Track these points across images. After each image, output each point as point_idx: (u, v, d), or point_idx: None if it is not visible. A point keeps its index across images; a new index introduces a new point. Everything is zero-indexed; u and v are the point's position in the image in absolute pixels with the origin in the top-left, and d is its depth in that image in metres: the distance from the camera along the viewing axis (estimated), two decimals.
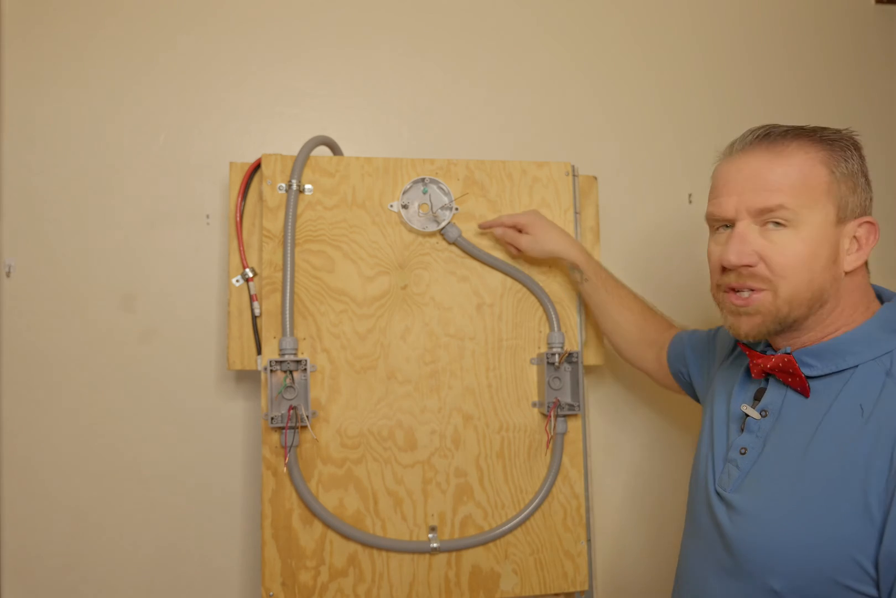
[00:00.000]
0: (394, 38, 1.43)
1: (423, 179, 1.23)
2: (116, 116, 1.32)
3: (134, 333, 1.30)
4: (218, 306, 1.33)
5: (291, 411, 1.13)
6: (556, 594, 1.25)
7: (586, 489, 1.25)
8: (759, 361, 0.86)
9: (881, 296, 0.88)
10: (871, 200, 0.85)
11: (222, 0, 1.37)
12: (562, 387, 1.23)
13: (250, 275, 1.21)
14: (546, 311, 1.25)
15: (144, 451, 1.29)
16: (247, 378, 1.32)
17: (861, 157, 0.85)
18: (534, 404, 1.25)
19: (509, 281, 1.26)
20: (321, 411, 1.18)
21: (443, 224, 1.22)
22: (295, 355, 1.16)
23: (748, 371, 0.92)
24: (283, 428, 1.14)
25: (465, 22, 1.46)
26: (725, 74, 1.57)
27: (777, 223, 0.80)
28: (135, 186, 1.32)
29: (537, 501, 1.21)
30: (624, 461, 1.45)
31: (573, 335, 1.26)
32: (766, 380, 0.88)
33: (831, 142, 0.83)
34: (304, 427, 1.16)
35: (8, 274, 1.27)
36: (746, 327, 0.83)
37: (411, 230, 1.24)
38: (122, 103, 1.33)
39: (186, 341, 1.31)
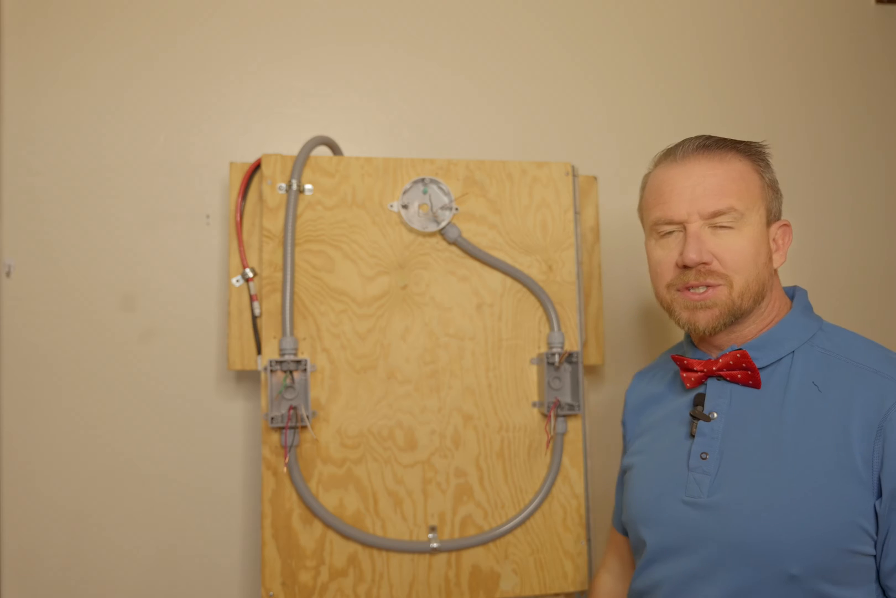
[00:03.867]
0: (394, 38, 1.43)
1: (423, 179, 1.23)
2: (116, 116, 1.32)
3: (134, 333, 1.30)
4: (218, 306, 1.33)
5: (291, 411, 1.13)
6: (556, 594, 1.25)
7: (586, 489, 1.25)
8: (701, 367, 0.91)
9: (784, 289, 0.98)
10: (781, 205, 0.95)
11: (222, 0, 1.37)
12: (562, 387, 1.23)
13: (250, 275, 1.21)
14: (546, 311, 1.25)
15: (144, 451, 1.29)
16: (247, 378, 1.32)
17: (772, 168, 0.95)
18: (534, 404, 1.25)
19: (509, 281, 1.26)
20: (321, 411, 1.18)
21: (443, 224, 1.22)
22: (295, 355, 1.16)
23: (674, 387, 0.99)
24: (283, 428, 1.14)
25: (466, 22, 1.46)
26: (726, 74, 1.57)
27: (723, 227, 0.88)
28: (135, 186, 1.32)
29: (537, 501, 1.21)
30: None
31: (573, 335, 1.26)
32: (704, 385, 0.92)
33: (756, 153, 0.93)
34: (304, 427, 1.16)
35: (8, 274, 1.27)
36: (704, 319, 0.89)
37: (411, 230, 1.24)
38: (122, 103, 1.33)
39: (186, 341, 1.31)
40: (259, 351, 1.20)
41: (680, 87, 1.54)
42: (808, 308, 0.93)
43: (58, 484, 1.26)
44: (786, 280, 1.42)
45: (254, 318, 1.21)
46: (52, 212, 1.29)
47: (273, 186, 1.20)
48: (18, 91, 1.29)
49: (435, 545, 1.17)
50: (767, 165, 0.93)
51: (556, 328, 1.24)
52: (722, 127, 1.53)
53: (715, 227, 0.88)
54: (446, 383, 1.22)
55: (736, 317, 0.88)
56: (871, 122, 1.63)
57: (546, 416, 1.22)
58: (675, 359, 0.95)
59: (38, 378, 1.27)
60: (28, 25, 1.30)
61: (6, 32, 1.29)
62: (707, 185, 0.88)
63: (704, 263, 0.87)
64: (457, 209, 1.23)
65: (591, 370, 1.43)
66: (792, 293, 0.97)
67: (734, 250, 0.87)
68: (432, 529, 1.19)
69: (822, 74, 1.62)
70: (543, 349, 1.25)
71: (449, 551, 1.19)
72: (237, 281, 1.22)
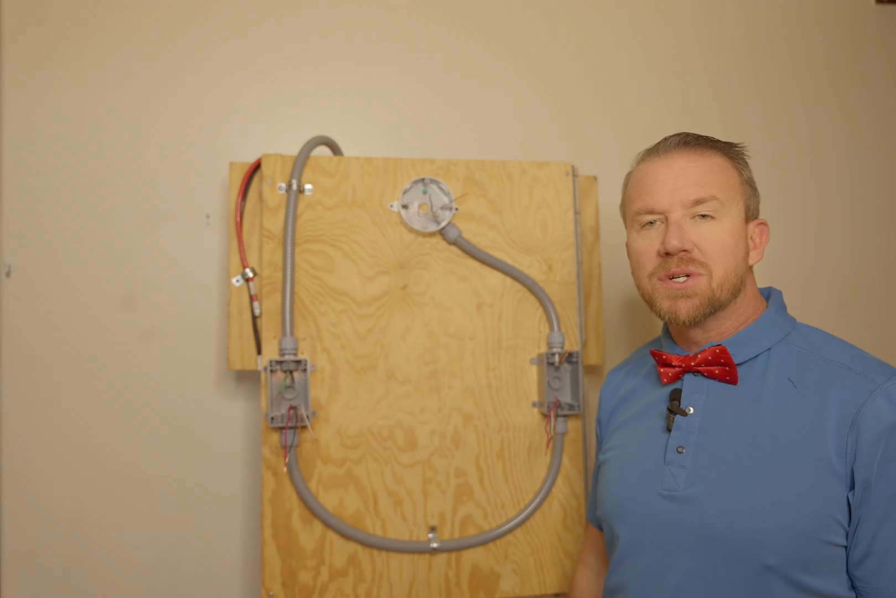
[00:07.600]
0: (394, 38, 1.43)
1: (423, 179, 1.23)
2: (116, 115, 1.32)
3: (134, 333, 1.30)
4: (218, 306, 1.33)
5: (291, 411, 1.13)
6: (557, 594, 1.25)
7: (586, 490, 1.25)
8: (679, 362, 0.92)
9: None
10: (759, 204, 0.97)
11: (222, 0, 1.37)
12: (562, 387, 1.23)
13: (250, 275, 1.21)
14: (546, 311, 1.25)
15: (144, 451, 1.29)
16: (247, 378, 1.32)
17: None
18: (534, 404, 1.25)
19: (509, 281, 1.26)
20: (321, 411, 1.18)
21: (443, 224, 1.22)
22: (295, 355, 1.16)
23: (649, 382, 1.00)
24: (283, 428, 1.14)
25: (466, 22, 1.46)
26: (726, 74, 1.57)
27: (704, 216, 0.89)
28: (135, 186, 1.32)
29: (537, 501, 1.21)
30: None
31: (573, 335, 1.26)
32: (681, 381, 0.94)
33: (734, 152, 0.94)
34: (304, 427, 1.16)
35: (8, 274, 1.27)
36: (685, 309, 0.89)
37: (411, 230, 1.24)
38: (122, 103, 1.33)
39: (186, 341, 1.31)
40: (259, 351, 1.20)
41: (680, 87, 1.54)
42: (783, 308, 0.95)
43: (58, 484, 1.26)
44: (783, 280, 1.42)
45: (254, 318, 1.21)
46: (52, 212, 1.29)
47: (273, 186, 1.20)
48: (18, 91, 1.29)
49: (435, 545, 1.17)
50: (745, 164, 0.95)
51: (556, 328, 1.24)
52: (722, 127, 1.53)
53: (696, 217, 0.89)
54: (446, 383, 1.22)
55: (715, 308, 0.89)
56: (871, 122, 1.63)
57: (546, 416, 1.22)
58: (653, 354, 0.96)
59: (38, 378, 1.27)
60: (28, 25, 1.30)
61: (6, 32, 1.29)
62: (688, 176, 0.89)
63: (685, 251, 0.88)
64: (457, 209, 1.23)
65: (591, 370, 1.43)
66: (767, 294, 0.98)
67: (714, 240, 0.88)
68: (432, 529, 1.19)
69: (822, 74, 1.62)
70: (543, 349, 1.25)
71: (449, 551, 1.19)
72: (237, 281, 1.22)
